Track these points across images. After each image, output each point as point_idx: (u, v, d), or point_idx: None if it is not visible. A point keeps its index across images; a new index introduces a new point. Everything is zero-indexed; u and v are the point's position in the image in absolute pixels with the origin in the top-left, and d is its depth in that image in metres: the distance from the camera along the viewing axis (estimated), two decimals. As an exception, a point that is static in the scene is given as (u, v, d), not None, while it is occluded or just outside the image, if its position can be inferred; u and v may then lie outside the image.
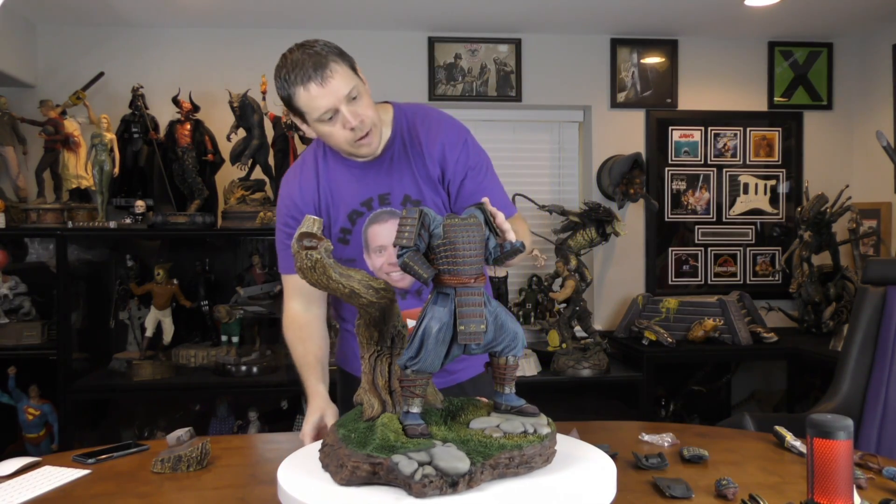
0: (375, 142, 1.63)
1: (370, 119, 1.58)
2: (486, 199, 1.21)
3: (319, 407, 1.66)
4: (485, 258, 1.18)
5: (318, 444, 1.34)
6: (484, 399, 1.35)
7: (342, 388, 1.90)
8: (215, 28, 3.51)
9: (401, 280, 1.68)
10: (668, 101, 3.79)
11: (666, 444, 1.70)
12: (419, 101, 3.65)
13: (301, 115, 1.57)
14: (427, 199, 1.68)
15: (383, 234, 1.68)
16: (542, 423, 1.18)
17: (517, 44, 3.69)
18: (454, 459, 1.06)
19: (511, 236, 1.20)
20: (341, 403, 1.82)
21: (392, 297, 1.28)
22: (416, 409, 1.18)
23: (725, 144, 3.85)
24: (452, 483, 1.05)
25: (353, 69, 1.56)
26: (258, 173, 3.21)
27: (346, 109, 1.53)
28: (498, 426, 1.16)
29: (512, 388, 1.22)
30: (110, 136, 3.06)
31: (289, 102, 1.56)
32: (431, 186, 1.68)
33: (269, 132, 3.18)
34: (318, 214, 1.69)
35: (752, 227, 3.89)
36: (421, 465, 1.06)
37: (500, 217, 1.21)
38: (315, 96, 1.51)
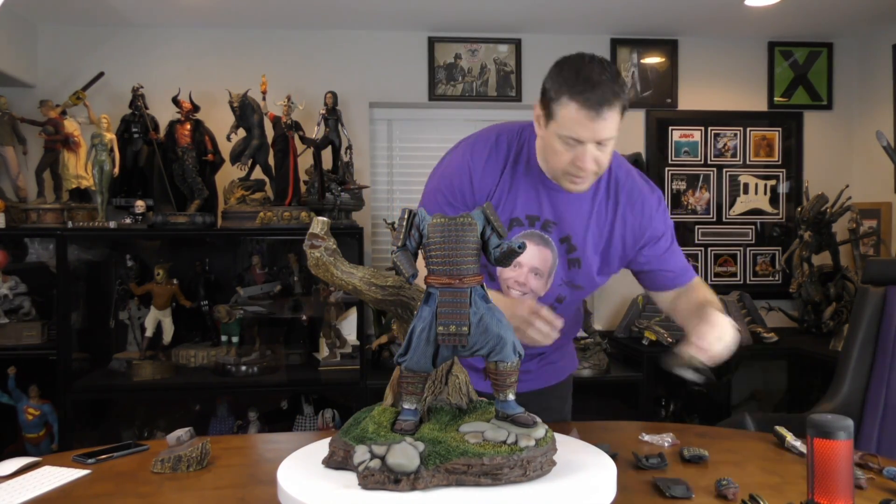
0: (585, 186, 1.59)
1: (598, 170, 1.55)
2: (488, 203, 1.20)
3: None
4: (490, 259, 1.18)
5: (318, 444, 1.35)
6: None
7: None
8: (215, 28, 3.51)
9: (520, 297, 1.66)
10: (668, 101, 3.79)
11: (666, 444, 1.70)
12: (419, 102, 3.68)
13: (550, 116, 1.51)
14: (581, 249, 1.67)
15: (526, 252, 1.60)
16: (530, 435, 1.14)
17: (517, 44, 3.69)
18: (404, 457, 1.10)
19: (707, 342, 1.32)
20: None
21: (400, 293, 1.28)
22: (408, 406, 1.20)
23: (725, 144, 3.85)
24: (395, 479, 1.09)
25: (621, 116, 1.51)
26: (258, 173, 3.21)
27: (591, 151, 1.50)
28: (483, 432, 1.15)
29: (508, 396, 1.18)
30: (110, 136, 3.06)
31: (549, 99, 1.51)
32: (595, 245, 1.67)
33: (269, 132, 3.18)
34: (487, 197, 1.64)
35: (752, 227, 3.89)
36: (373, 457, 1.11)
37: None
38: (577, 121, 1.46)
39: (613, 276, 1.82)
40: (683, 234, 3.84)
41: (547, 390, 1.88)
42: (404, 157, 3.76)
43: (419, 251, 1.18)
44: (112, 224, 3.01)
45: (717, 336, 1.50)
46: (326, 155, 3.27)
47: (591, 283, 1.73)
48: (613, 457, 1.38)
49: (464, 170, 1.64)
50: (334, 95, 3.23)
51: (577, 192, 1.61)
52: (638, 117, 3.79)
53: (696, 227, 3.85)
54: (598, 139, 1.48)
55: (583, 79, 1.45)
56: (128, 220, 3.03)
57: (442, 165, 1.72)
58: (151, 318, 3.13)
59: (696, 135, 3.83)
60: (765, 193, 3.88)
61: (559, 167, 1.55)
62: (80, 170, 3.13)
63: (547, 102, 1.52)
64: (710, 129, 3.84)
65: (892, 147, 3.10)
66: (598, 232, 1.68)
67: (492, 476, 1.11)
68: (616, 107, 1.47)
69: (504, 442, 1.13)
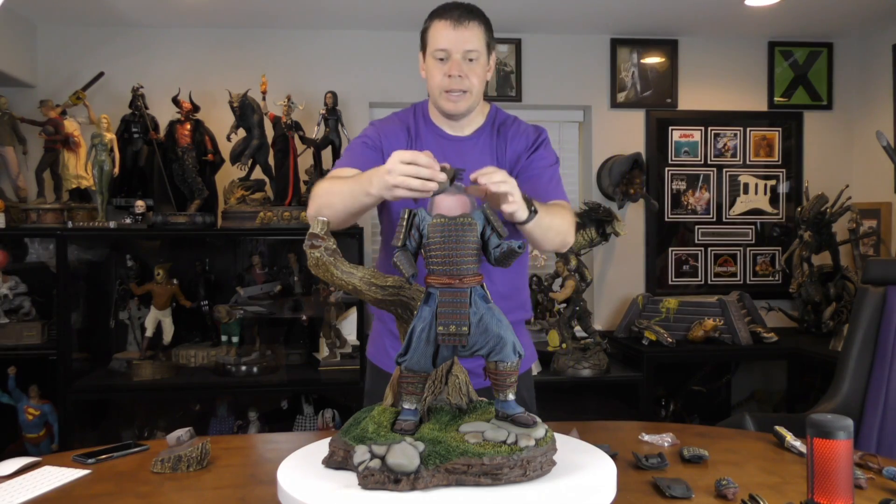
0: (463, 106, 1.75)
1: (471, 85, 1.72)
2: (487, 203, 1.20)
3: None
4: (490, 259, 1.18)
5: (318, 444, 1.35)
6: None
7: (371, 380, 1.93)
8: (215, 28, 3.51)
9: None
10: (668, 101, 3.78)
11: (666, 444, 1.70)
12: (419, 102, 3.66)
13: (424, 47, 1.75)
14: None
15: (446, 204, 1.63)
16: (530, 435, 1.15)
17: (517, 44, 3.69)
18: (404, 457, 1.10)
19: (486, 184, 1.33)
20: (368, 396, 1.90)
21: (400, 293, 1.28)
22: (408, 406, 1.20)
23: (725, 144, 3.85)
24: (395, 479, 1.09)
25: (488, 45, 1.75)
26: (258, 173, 3.21)
27: (458, 61, 1.69)
28: (483, 432, 1.15)
29: (508, 396, 1.18)
30: (110, 136, 3.06)
31: (423, 34, 1.76)
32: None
33: (269, 132, 3.18)
34: None
35: (752, 227, 3.89)
36: (373, 457, 1.11)
37: (481, 176, 1.36)
38: (441, 31, 1.69)
39: (614, 276, 1.83)
40: (683, 234, 3.84)
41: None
42: (404, 157, 3.75)
43: (419, 251, 1.18)
44: (112, 224, 3.01)
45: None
46: (326, 155, 3.27)
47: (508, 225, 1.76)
48: (613, 457, 1.38)
49: (376, 134, 1.83)
50: (334, 95, 3.23)
51: (458, 113, 1.77)
52: (638, 117, 3.79)
53: (696, 227, 3.85)
54: (462, 49, 1.68)
55: (445, 6, 1.73)
56: (128, 220, 3.03)
57: (363, 131, 1.88)
58: (151, 318, 3.13)
59: (696, 135, 3.83)
60: (765, 193, 3.88)
61: (436, 85, 1.73)
62: (80, 170, 3.13)
63: (422, 38, 1.76)
64: (710, 129, 3.84)
65: (892, 147, 3.10)
66: (500, 167, 1.72)
67: (492, 476, 1.11)
68: (475, 22, 1.70)
69: (504, 442, 1.13)
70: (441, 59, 1.70)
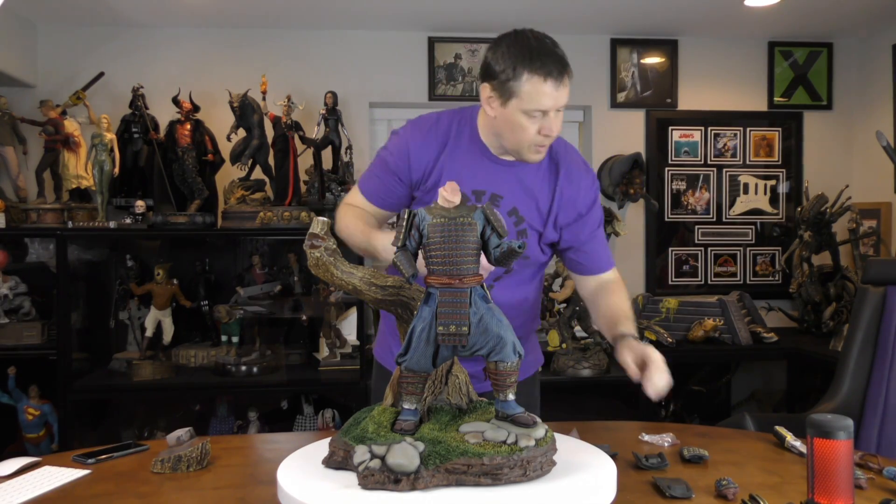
0: (545, 153, 1.67)
1: (557, 135, 1.64)
2: (487, 203, 1.21)
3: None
4: (490, 259, 1.18)
5: (318, 444, 1.35)
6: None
7: (376, 380, 1.94)
8: (215, 28, 3.51)
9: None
10: (668, 101, 3.78)
11: (666, 444, 1.70)
12: (419, 102, 3.68)
13: (509, 95, 1.56)
14: (528, 220, 1.72)
15: None
16: (530, 435, 1.14)
17: (517, 44, 3.68)
18: (404, 457, 1.10)
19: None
20: (374, 394, 1.90)
21: (400, 293, 1.28)
22: (408, 406, 1.20)
23: (725, 144, 3.85)
24: (396, 479, 1.09)
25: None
26: (258, 173, 3.21)
27: (553, 118, 1.58)
28: (483, 432, 1.15)
29: (508, 396, 1.18)
30: (110, 136, 3.06)
31: (504, 78, 1.55)
32: (539, 215, 1.73)
33: (269, 132, 3.18)
34: (424, 177, 1.70)
35: (752, 227, 3.89)
36: (373, 457, 1.11)
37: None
38: (544, 93, 1.53)
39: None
40: (683, 234, 3.84)
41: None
42: (404, 157, 3.75)
43: (419, 251, 1.18)
44: (112, 224, 3.01)
45: (660, 372, 1.58)
46: (326, 155, 3.27)
47: (536, 254, 1.77)
48: (613, 457, 1.38)
49: (402, 149, 1.71)
50: (334, 95, 3.23)
51: (535, 163, 1.68)
52: (638, 117, 3.79)
53: (696, 227, 3.85)
54: (558, 104, 1.57)
55: (538, 52, 1.53)
56: (128, 220, 3.03)
57: (390, 141, 1.79)
58: (151, 318, 3.13)
59: (696, 135, 3.83)
60: (765, 193, 3.88)
61: (527, 141, 1.60)
62: (80, 170, 3.13)
63: (503, 83, 1.55)
64: (710, 129, 3.84)
65: (892, 147, 3.09)
66: (542, 202, 1.73)
67: (492, 476, 1.11)
68: (568, 72, 1.57)
69: (504, 442, 1.13)
70: (534, 117, 1.57)
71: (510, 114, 1.58)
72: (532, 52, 1.53)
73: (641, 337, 3.34)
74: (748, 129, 3.86)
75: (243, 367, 3.12)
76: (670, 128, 3.81)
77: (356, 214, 1.72)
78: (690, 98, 3.81)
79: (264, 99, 3.17)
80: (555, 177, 1.72)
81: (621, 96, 3.76)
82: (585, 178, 1.76)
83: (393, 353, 1.80)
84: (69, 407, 3.00)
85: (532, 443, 1.13)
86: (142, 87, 3.23)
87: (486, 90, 1.61)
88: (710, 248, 3.86)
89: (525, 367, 1.87)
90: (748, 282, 3.87)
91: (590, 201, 1.76)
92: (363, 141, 3.60)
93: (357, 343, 3.17)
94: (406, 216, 1.16)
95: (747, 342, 3.33)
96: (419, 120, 1.77)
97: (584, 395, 3.40)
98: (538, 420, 1.18)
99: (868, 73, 3.80)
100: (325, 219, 1.26)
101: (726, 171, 3.85)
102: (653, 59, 3.77)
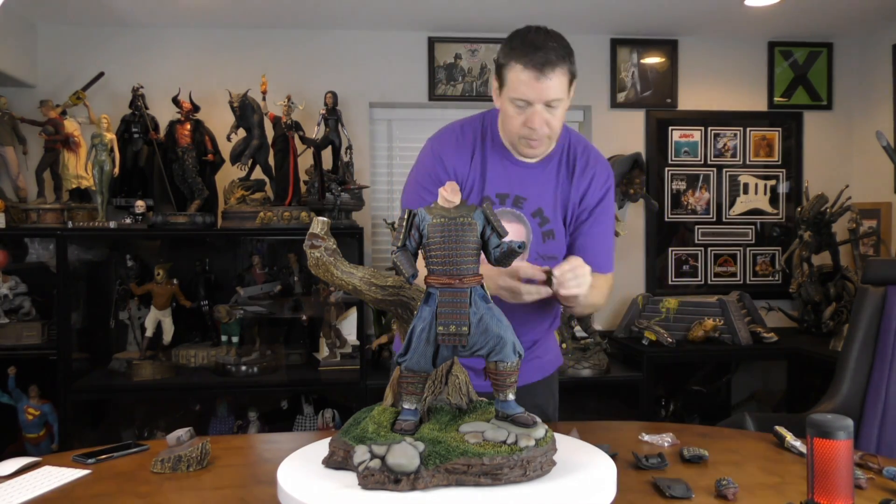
0: (540, 151, 1.69)
1: (551, 133, 1.64)
2: (488, 203, 1.21)
3: None
4: (490, 259, 1.18)
5: (318, 444, 1.35)
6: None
7: None
8: (215, 28, 3.51)
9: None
10: (668, 101, 3.78)
11: (666, 444, 1.70)
12: (419, 102, 3.68)
13: (501, 83, 1.63)
14: (554, 220, 1.74)
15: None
16: (530, 435, 1.15)
17: (517, 44, 3.68)
18: (404, 457, 1.10)
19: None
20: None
21: (400, 293, 1.28)
22: (408, 406, 1.21)
23: (725, 144, 3.85)
24: (396, 479, 1.09)
25: (570, 83, 1.62)
26: (258, 173, 3.21)
27: (539, 111, 1.59)
28: (483, 432, 1.16)
29: (508, 396, 1.18)
30: (110, 136, 3.06)
31: (499, 68, 1.63)
32: (563, 214, 1.75)
33: (269, 132, 3.18)
34: (460, 183, 1.71)
35: (752, 227, 3.89)
36: (373, 457, 1.11)
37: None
38: (522, 81, 1.56)
39: (614, 276, 1.84)
40: (683, 234, 3.84)
41: (533, 386, 1.88)
42: (404, 158, 3.75)
43: (419, 251, 1.18)
44: (112, 224, 3.01)
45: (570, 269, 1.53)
46: (326, 155, 3.27)
47: (562, 252, 1.78)
48: (613, 457, 1.38)
49: (436, 159, 1.74)
50: (334, 95, 3.23)
51: (534, 157, 1.71)
52: (638, 117, 3.79)
53: (696, 227, 3.85)
54: (544, 99, 1.57)
55: (528, 43, 1.57)
56: (128, 220, 3.03)
57: (416, 165, 1.80)
58: (151, 318, 3.13)
59: (696, 135, 3.83)
60: (765, 193, 3.88)
61: (514, 131, 1.64)
62: (80, 170, 3.13)
63: (500, 72, 1.63)
64: (710, 129, 3.84)
65: (892, 147, 3.09)
66: (563, 201, 1.75)
67: (492, 476, 1.11)
68: (560, 69, 1.56)
69: (504, 442, 1.13)
70: (520, 107, 1.59)
71: (503, 103, 1.64)
72: (523, 43, 1.58)
73: (641, 337, 3.36)
74: (748, 129, 3.86)
75: (243, 367, 3.12)
76: (670, 128, 3.81)
77: None
78: (690, 98, 3.81)
79: (264, 99, 3.17)
80: (571, 173, 1.75)
81: (621, 96, 3.76)
82: (600, 174, 1.77)
83: None
84: (69, 407, 3.00)
85: (532, 443, 1.14)
86: (142, 87, 3.23)
87: (493, 81, 1.69)
88: (709, 248, 3.86)
89: (546, 366, 1.93)
90: (748, 282, 3.87)
91: (598, 198, 1.77)
92: (363, 141, 3.60)
93: (357, 343, 3.17)
94: (406, 216, 1.16)
95: (747, 342, 3.33)
96: (442, 134, 1.79)
97: (584, 395, 3.40)
98: (538, 420, 1.18)
99: (868, 73, 3.80)
100: (325, 219, 1.26)
101: (726, 171, 3.85)
102: (653, 59, 3.77)
